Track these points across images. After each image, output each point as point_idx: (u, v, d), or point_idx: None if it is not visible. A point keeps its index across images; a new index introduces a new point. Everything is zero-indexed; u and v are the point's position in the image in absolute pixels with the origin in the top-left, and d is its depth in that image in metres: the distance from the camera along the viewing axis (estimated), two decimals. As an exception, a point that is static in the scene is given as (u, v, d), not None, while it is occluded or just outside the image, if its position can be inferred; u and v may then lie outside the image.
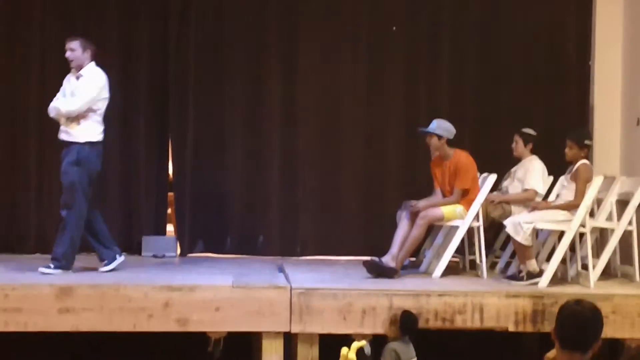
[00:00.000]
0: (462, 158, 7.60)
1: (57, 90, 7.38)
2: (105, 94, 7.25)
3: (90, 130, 7.14)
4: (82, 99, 7.09)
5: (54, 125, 7.34)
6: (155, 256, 8.61)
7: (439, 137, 7.63)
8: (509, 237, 7.42)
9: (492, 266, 8.07)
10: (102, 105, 7.22)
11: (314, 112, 9.05)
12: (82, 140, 7.10)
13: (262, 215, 9.01)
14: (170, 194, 9.15)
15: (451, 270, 7.71)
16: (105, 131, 7.28)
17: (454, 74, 9.13)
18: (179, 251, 8.88)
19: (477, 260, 7.71)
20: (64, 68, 7.42)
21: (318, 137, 9.05)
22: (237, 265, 8.12)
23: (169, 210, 9.41)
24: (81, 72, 7.21)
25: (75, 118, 7.09)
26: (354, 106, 9.06)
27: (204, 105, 8.94)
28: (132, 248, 8.75)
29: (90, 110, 7.13)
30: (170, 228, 9.57)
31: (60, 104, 7.13)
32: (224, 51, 8.97)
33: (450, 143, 7.66)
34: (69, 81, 7.30)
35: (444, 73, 9.15)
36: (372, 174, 9.08)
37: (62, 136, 7.18)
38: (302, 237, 9.06)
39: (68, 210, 7.04)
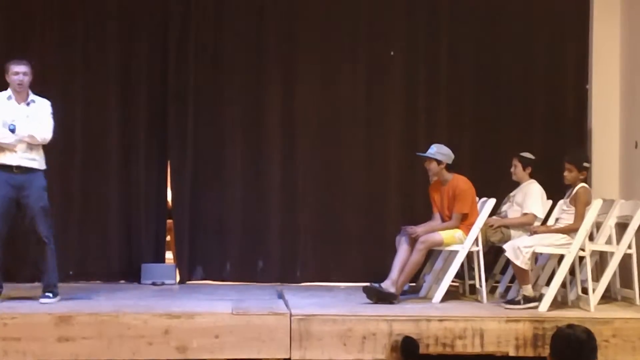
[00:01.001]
0: (461, 183, 7.60)
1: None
2: None
3: (44, 157, 7.17)
4: (51, 125, 7.10)
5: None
6: (154, 284, 8.58)
7: (438, 162, 7.64)
8: (508, 261, 7.42)
9: (491, 290, 8.06)
10: None
11: (313, 138, 9.06)
12: (44, 167, 7.12)
13: (261, 241, 9.00)
14: (170, 220, 9.14)
15: (451, 295, 7.70)
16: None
17: (452, 98, 9.15)
18: (178, 278, 8.86)
19: (477, 285, 7.70)
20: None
21: (317, 162, 9.06)
22: (237, 291, 8.11)
23: (168, 238, 9.40)
24: (32, 97, 7.11)
25: (37, 145, 7.06)
26: (354, 131, 9.08)
27: (203, 131, 8.94)
28: (132, 276, 8.76)
29: None
30: (169, 255, 9.55)
31: (34, 131, 6.98)
32: (222, 77, 8.99)
33: (449, 168, 7.67)
34: (20, 107, 7.06)
35: (443, 97, 9.17)
36: (372, 199, 9.07)
37: (26, 163, 7.00)
38: (302, 263, 9.05)
39: (50, 236, 7.07)
